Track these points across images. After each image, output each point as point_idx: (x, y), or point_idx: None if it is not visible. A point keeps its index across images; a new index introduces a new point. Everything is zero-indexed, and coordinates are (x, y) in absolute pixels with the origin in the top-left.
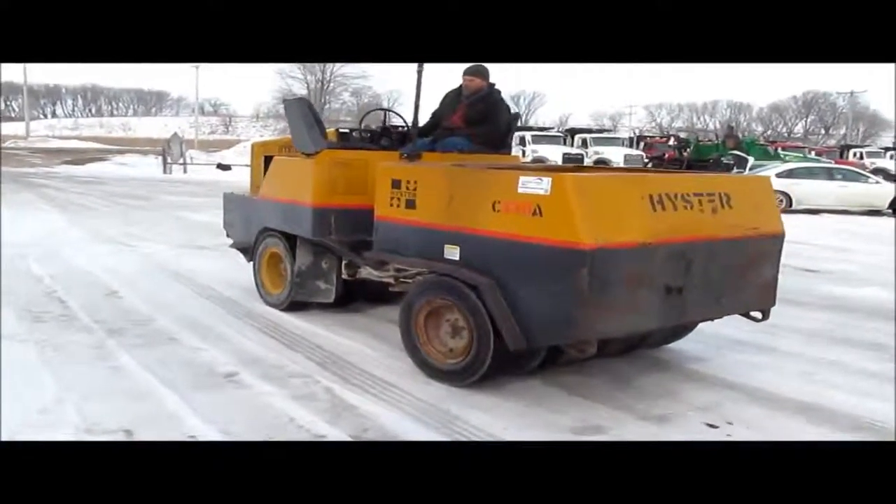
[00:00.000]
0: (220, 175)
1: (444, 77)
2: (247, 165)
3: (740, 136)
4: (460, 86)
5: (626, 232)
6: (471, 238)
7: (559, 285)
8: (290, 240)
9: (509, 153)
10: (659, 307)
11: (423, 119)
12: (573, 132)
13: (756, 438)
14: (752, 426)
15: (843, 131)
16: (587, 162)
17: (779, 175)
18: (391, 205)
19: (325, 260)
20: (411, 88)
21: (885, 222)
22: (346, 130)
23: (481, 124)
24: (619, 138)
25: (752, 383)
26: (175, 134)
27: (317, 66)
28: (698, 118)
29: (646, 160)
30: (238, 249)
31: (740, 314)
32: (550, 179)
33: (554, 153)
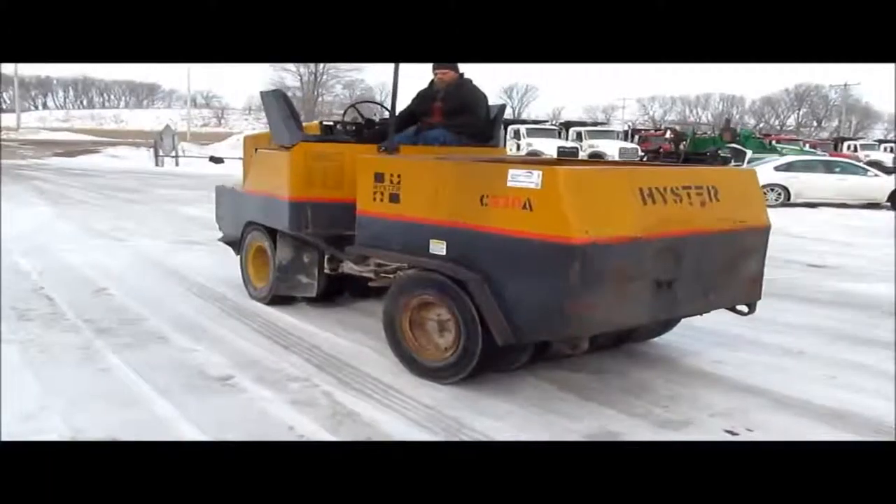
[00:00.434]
0: (212, 168)
1: (427, 72)
2: (239, 158)
3: (737, 129)
4: (431, 82)
5: (617, 226)
6: (458, 233)
7: (550, 280)
8: (273, 234)
9: (496, 146)
10: (649, 302)
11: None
12: (568, 125)
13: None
14: (776, 433)
15: (835, 124)
16: (582, 155)
17: (777, 168)
18: (374, 199)
19: (306, 254)
20: (402, 82)
21: (885, 215)
22: (331, 123)
23: (460, 115)
24: (613, 131)
25: (774, 388)
26: (167, 126)
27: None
28: (691, 111)
29: (641, 153)
30: (226, 243)
31: (727, 308)
32: (541, 173)
33: (549, 146)
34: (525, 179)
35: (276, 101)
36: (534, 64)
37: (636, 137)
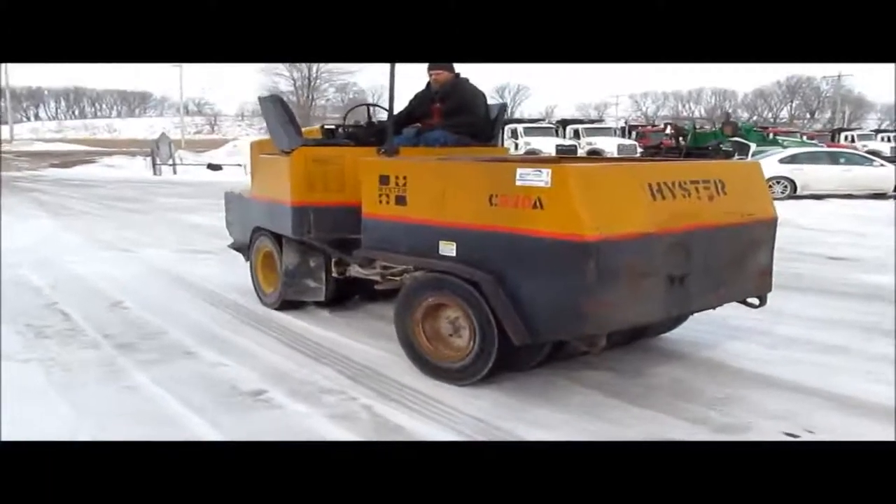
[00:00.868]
0: (211, 175)
1: (423, 73)
2: (238, 165)
3: (738, 122)
4: (428, 83)
5: (628, 222)
6: (467, 233)
7: (564, 279)
8: (279, 239)
9: (497, 145)
10: (663, 297)
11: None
12: (565, 123)
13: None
14: (838, 435)
15: (828, 115)
16: (580, 153)
17: (782, 161)
18: (380, 201)
19: (312, 259)
20: (398, 83)
21: (892, 205)
22: (332, 127)
23: (459, 115)
24: (611, 128)
25: (824, 386)
26: (163, 134)
27: (303, 63)
28: (683, 106)
29: (640, 150)
30: (236, 249)
31: (738, 301)
32: (550, 171)
33: (547, 145)
34: (534, 178)
35: (274, 106)
36: (528, 64)
37: (633, 134)
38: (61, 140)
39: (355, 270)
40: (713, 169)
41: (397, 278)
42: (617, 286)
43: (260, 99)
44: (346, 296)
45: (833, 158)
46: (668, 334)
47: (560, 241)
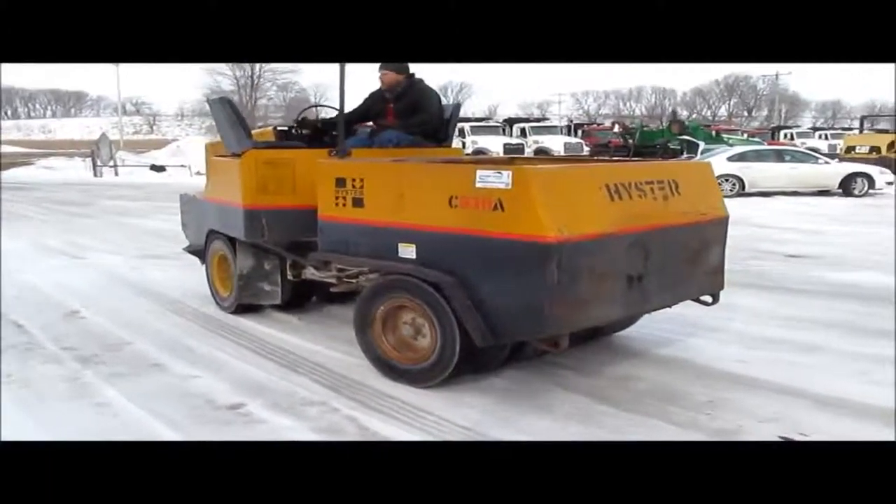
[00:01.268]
0: (155, 177)
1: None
2: (182, 166)
3: (685, 121)
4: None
5: (588, 223)
6: (427, 235)
7: (526, 280)
8: (233, 242)
9: (450, 145)
10: (622, 297)
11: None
12: (511, 122)
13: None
14: (832, 437)
15: (764, 113)
16: (528, 151)
17: (730, 159)
18: (336, 204)
19: (267, 261)
20: (337, 82)
21: (839, 202)
22: (285, 128)
23: (412, 115)
24: (557, 127)
25: (809, 387)
26: (103, 135)
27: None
28: (624, 104)
29: (587, 148)
30: (191, 252)
31: (692, 300)
32: (510, 173)
33: (494, 143)
34: (495, 180)
35: (223, 107)
36: (472, 64)
37: (579, 132)
38: None
39: (311, 273)
40: (667, 169)
41: (353, 281)
42: (578, 287)
43: (209, 101)
44: (303, 299)
45: (779, 156)
46: (651, 338)
47: (522, 243)
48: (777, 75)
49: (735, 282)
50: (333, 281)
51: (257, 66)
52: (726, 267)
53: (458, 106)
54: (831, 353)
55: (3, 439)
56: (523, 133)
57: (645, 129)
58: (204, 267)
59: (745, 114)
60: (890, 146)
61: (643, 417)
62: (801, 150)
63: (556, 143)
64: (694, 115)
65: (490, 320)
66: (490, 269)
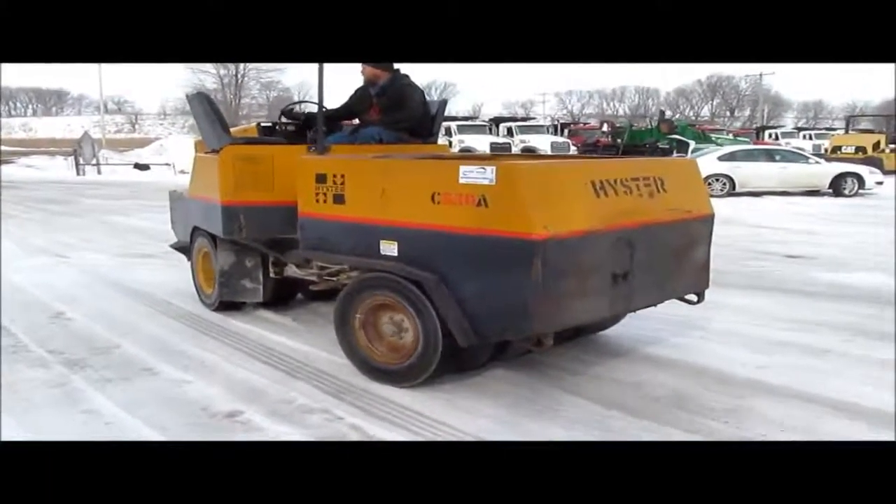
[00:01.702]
0: (138, 175)
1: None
2: (166, 164)
3: (673, 121)
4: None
5: (573, 220)
6: (410, 232)
7: (510, 278)
8: (215, 239)
9: (436, 142)
10: (608, 295)
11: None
12: (498, 121)
13: None
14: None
15: (747, 113)
16: (514, 150)
17: (721, 158)
18: (317, 200)
19: (248, 259)
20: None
21: (830, 202)
22: (269, 124)
23: (396, 111)
24: (543, 126)
25: (824, 392)
26: (86, 133)
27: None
28: (608, 104)
29: (574, 147)
30: (177, 249)
31: (677, 298)
32: (495, 168)
33: (481, 143)
34: (479, 176)
35: (201, 103)
36: (457, 64)
37: (566, 131)
38: None
39: (292, 271)
40: (652, 166)
41: (334, 279)
42: (563, 285)
43: (187, 97)
44: (287, 296)
45: (770, 156)
46: (657, 341)
47: (506, 240)
48: (761, 75)
49: (734, 283)
50: (314, 279)
51: (241, 64)
52: (725, 268)
53: (444, 102)
54: (840, 357)
55: (2, 439)
56: (510, 132)
57: (635, 128)
58: (190, 264)
59: (728, 114)
60: (875, 146)
61: (655, 424)
62: (792, 149)
63: (543, 143)
64: (678, 116)
65: (473, 319)
66: (473, 266)
